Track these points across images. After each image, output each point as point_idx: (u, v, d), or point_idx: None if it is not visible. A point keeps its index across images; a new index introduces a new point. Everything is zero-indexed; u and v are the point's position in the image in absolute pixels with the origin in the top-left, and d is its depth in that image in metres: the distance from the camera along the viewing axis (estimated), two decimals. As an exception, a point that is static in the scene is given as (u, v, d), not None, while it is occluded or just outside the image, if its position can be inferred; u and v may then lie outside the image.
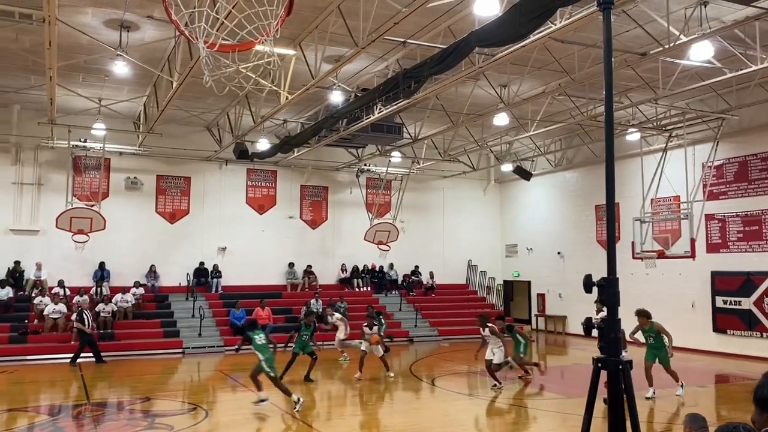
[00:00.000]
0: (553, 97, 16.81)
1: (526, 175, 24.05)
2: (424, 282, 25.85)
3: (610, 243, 3.64)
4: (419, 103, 16.60)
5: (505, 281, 27.81)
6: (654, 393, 11.85)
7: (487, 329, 13.22)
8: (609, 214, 3.67)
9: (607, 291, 3.44)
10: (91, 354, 17.03)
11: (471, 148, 22.90)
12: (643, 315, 12.08)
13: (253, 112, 17.98)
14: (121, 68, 14.69)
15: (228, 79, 7.34)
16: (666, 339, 12.12)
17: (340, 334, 17.63)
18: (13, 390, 13.80)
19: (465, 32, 11.01)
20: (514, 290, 27.67)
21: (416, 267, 26.04)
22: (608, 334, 3.47)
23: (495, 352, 13.03)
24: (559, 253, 24.76)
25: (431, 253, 26.26)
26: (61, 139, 19.76)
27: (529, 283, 26.54)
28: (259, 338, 11.42)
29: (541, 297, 25.66)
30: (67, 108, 18.88)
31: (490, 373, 13.03)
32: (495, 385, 12.93)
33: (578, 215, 24.03)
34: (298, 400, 10.88)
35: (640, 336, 12.28)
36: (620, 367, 3.44)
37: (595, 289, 3.58)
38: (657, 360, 12.04)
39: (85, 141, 19.96)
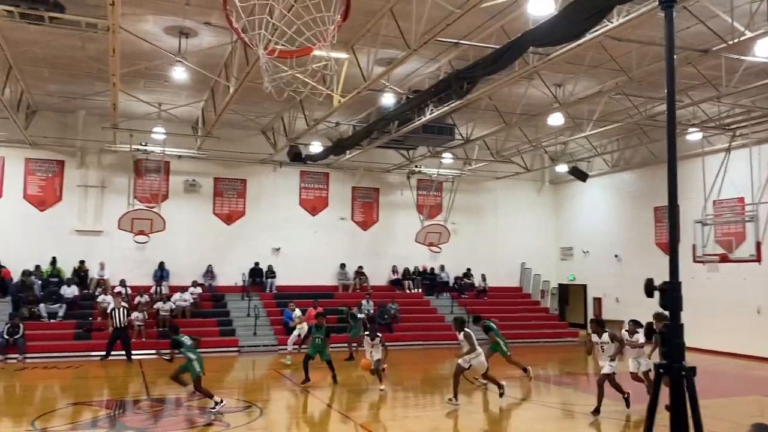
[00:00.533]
0: (610, 96, 16.42)
1: (581, 176, 23.57)
2: (476, 284, 25.65)
3: (672, 246, 3.54)
4: (471, 103, 16.50)
5: (560, 285, 27.31)
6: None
7: (461, 334, 11.83)
8: (671, 216, 3.56)
9: (670, 296, 3.35)
10: (122, 351, 17.48)
11: (525, 149, 22.60)
12: (659, 318, 11.44)
13: (307, 116, 18.23)
14: (180, 74, 15.15)
15: (286, 85, 7.49)
16: None
17: (296, 332, 17.37)
18: (77, 384, 14.38)
19: (518, 32, 10.88)
20: (570, 294, 27.14)
21: (468, 269, 25.85)
22: (671, 339, 3.38)
23: (471, 362, 11.73)
24: (616, 256, 24.17)
25: (483, 255, 26.01)
26: (124, 143, 20.50)
27: (584, 286, 25.98)
28: (187, 340, 11.45)
29: (598, 301, 25.09)
30: (129, 113, 19.56)
31: (455, 382, 11.66)
32: (451, 399, 11.60)
33: (636, 217, 23.41)
34: (221, 401, 10.77)
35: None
36: (683, 373, 3.34)
37: (652, 294, 3.49)
38: None
39: (145, 145, 20.67)
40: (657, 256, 21.56)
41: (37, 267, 20.45)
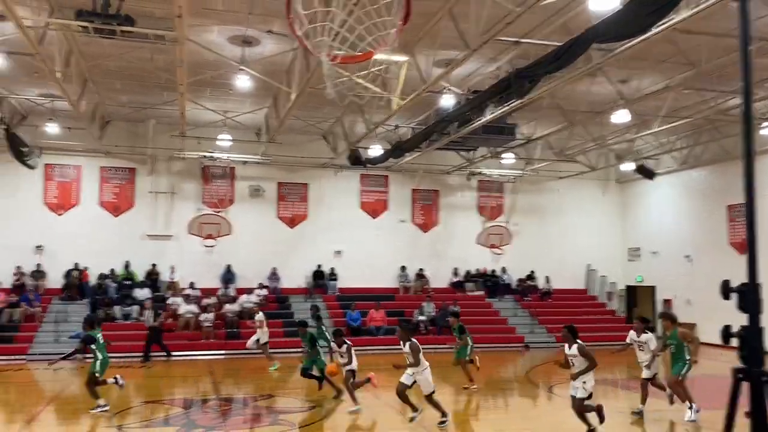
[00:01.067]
0: (678, 91, 15.84)
1: (649, 174, 22.85)
2: (540, 287, 25.20)
3: (750, 246, 3.39)
4: (533, 102, 16.23)
5: (627, 286, 26.52)
6: (696, 412, 10.17)
7: (407, 345, 10.02)
8: (749, 214, 3.41)
9: (749, 298, 3.20)
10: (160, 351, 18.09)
11: (589, 147, 22.08)
12: (666, 318, 10.76)
13: (366, 119, 18.37)
14: (243, 82, 15.55)
15: (348, 90, 7.60)
16: (689, 349, 10.35)
17: (262, 337, 16.99)
18: (150, 384, 14.94)
19: (580, 29, 10.64)
20: (638, 296, 26.31)
21: (531, 271, 25.43)
22: (750, 343, 3.23)
23: (415, 377, 9.96)
24: (687, 256, 23.28)
25: (547, 257, 25.54)
26: (191, 150, 21.21)
27: (653, 288, 25.14)
28: (101, 338, 11.39)
29: (667, 303, 24.22)
30: (196, 121, 20.21)
31: (402, 400, 10.06)
32: (413, 417, 10.04)
33: (708, 216, 22.49)
34: (105, 404, 10.82)
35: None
36: (764, 378, 3.19)
37: (728, 296, 3.34)
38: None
39: (212, 152, 21.33)
40: (731, 255, 20.67)
41: (112, 270, 21.40)
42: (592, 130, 20.40)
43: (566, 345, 9.50)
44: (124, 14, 11.21)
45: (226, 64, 14.55)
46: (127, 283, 21.33)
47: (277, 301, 22.28)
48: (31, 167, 20.14)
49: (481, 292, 24.51)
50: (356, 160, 20.96)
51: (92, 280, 21.24)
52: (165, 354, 18.07)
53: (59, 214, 21.75)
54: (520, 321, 23.11)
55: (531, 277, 25.39)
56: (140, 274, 21.78)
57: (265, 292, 21.99)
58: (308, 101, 16.28)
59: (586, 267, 26.30)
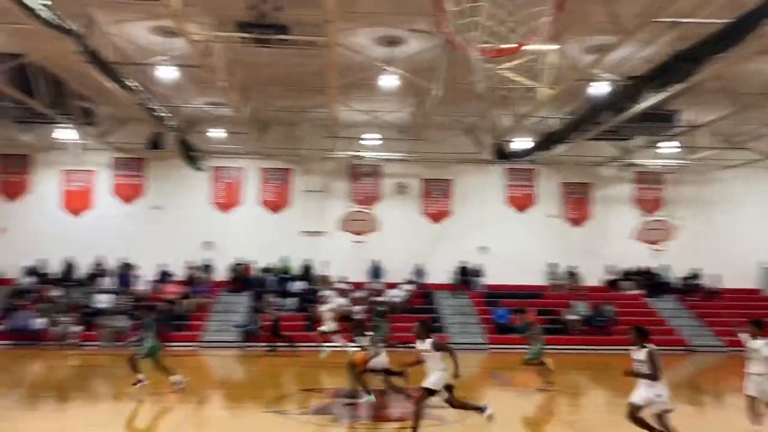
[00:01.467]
0: None
1: (838, 160, 20.21)
2: (706, 285, 23.21)
3: None
4: (696, 86, 14.94)
5: (811, 287, 23.67)
6: None
7: (427, 342, 9.09)
8: None
9: None
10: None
11: (763, 133, 19.96)
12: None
13: (512, 112, 17.95)
14: (389, 81, 15.85)
15: (498, 83, 7.48)
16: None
17: (324, 327, 17.03)
18: (304, 372, 15.74)
19: (750, 3, 9.62)
20: (824, 298, 23.39)
21: (696, 269, 23.48)
22: None
23: (433, 376, 9.05)
24: None
25: (714, 254, 23.40)
26: (341, 150, 22.07)
27: (844, 289, 22.21)
28: (152, 327, 12.11)
29: None
30: (346, 121, 20.94)
31: (462, 407, 9.42)
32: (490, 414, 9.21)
33: None
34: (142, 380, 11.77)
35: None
36: None
37: None
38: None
39: (360, 151, 22.06)
40: None
41: (271, 264, 22.86)
42: (766, 114, 18.40)
43: (635, 348, 8.38)
44: (280, 23, 11.90)
45: (372, 65, 14.91)
46: (284, 276, 22.66)
47: (421, 296, 22.52)
48: (200, 170, 22.09)
49: (639, 291, 23.09)
50: (501, 153, 20.60)
51: (254, 273, 22.84)
52: (269, 347, 18.85)
53: (225, 213, 23.62)
54: (682, 322, 21.47)
55: (696, 275, 23.46)
56: (296, 268, 23.04)
57: (412, 287, 22.29)
58: (453, 97, 16.25)
59: (760, 264, 23.82)
